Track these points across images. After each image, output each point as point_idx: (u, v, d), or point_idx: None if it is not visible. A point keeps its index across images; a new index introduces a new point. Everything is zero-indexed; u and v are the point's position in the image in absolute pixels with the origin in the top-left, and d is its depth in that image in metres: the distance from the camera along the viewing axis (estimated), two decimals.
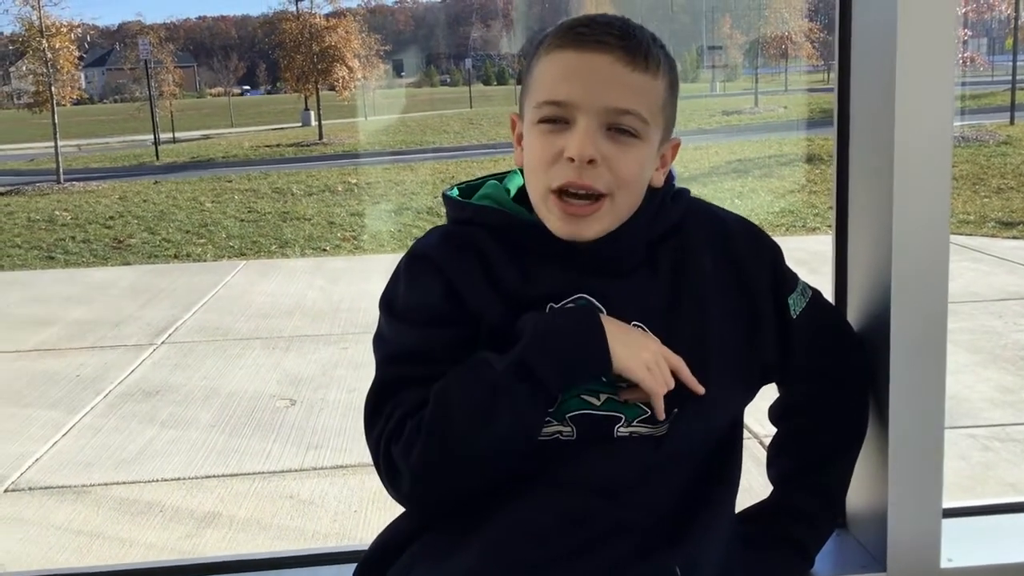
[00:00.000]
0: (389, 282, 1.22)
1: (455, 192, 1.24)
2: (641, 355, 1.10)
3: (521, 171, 1.22)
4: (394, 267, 1.22)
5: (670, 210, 1.21)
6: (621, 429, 1.16)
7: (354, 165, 19.25)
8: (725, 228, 1.25)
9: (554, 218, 1.14)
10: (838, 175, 1.47)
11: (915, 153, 1.30)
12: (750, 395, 1.28)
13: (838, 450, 1.35)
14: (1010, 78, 21.08)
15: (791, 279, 1.28)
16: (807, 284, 1.32)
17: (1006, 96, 20.81)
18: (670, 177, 1.23)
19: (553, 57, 1.14)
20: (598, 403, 1.16)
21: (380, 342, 1.20)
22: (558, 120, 1.12)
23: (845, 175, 1.45)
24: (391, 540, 1.23)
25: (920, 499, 1.38)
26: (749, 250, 1.25)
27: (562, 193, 1.12)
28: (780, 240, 1.31)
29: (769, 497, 1.38)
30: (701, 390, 1.13)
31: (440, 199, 1.27)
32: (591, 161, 1.10)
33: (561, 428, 1.15)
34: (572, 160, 1.10)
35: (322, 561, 1.52)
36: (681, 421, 1.16)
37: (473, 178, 1.29)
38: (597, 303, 1.15)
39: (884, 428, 1.35)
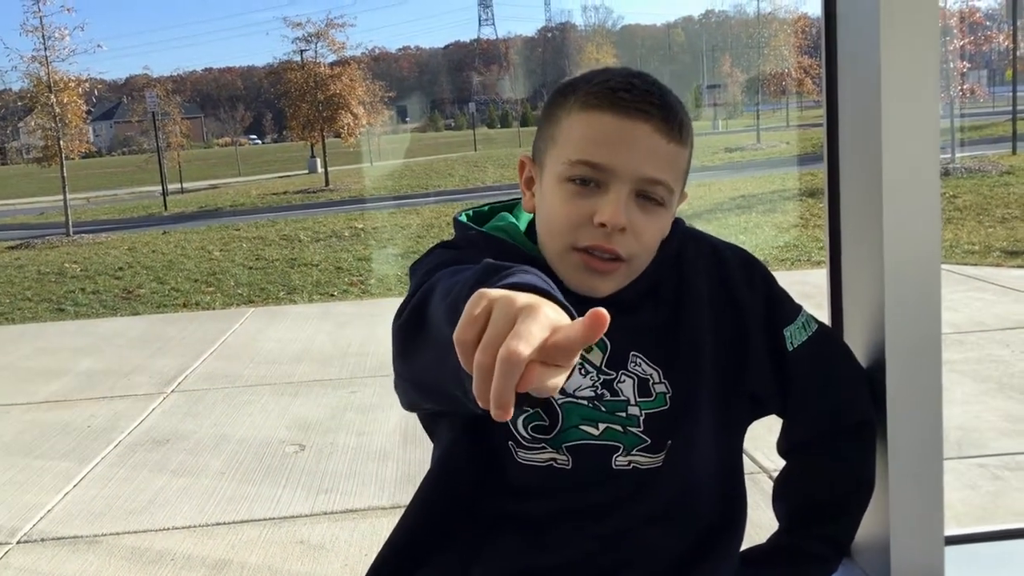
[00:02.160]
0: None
1: (464, 218, 1.25)
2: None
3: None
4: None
5: (669, 243, 1.22)
6: (619, 459, 1.17)
7: (360, 210, 19.38)
8: (719, 256, 1.26)
9: (572, 271, 1.14)
10: (829, 207, 1.50)
11: (903, 182, 1.32)
12: (744, 424, 1.29)
13: (846, 501, 1.33)
14: (1011, 109, 21.20)
15: (790, 310, 1.28)
16: (814, 319, 1.31)
17: (1007, 126, 20.93)
18: None
19: (591, 117, 1.12)
20: (597, 432, 1.17)
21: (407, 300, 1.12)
22: (589, 181, 1.11)
23: (836, 207, 1.48)
24: (388, 571, 1.23)
25: (922, 526, 1.39)
26: (742, 279, 1.26)
27: (587, 251, 1.12)
28: (784, 274, 1.32)
29: (775, 537, 1.36)
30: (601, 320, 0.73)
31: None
32: (622, 229, 1.11)
33: (556, 456, 1.16)
34: (602, 226, 1.10)
35: None
36: (676, 452, 1.18)
37: (481, 205, 1.30)
38: (603, 336, 1.17)
39: (884, 456, 1.36)
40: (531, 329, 0.68)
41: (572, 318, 0.74)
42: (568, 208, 1.12)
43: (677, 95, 1.17)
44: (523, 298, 0.72)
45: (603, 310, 0.66)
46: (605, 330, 0.66)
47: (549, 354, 0.68)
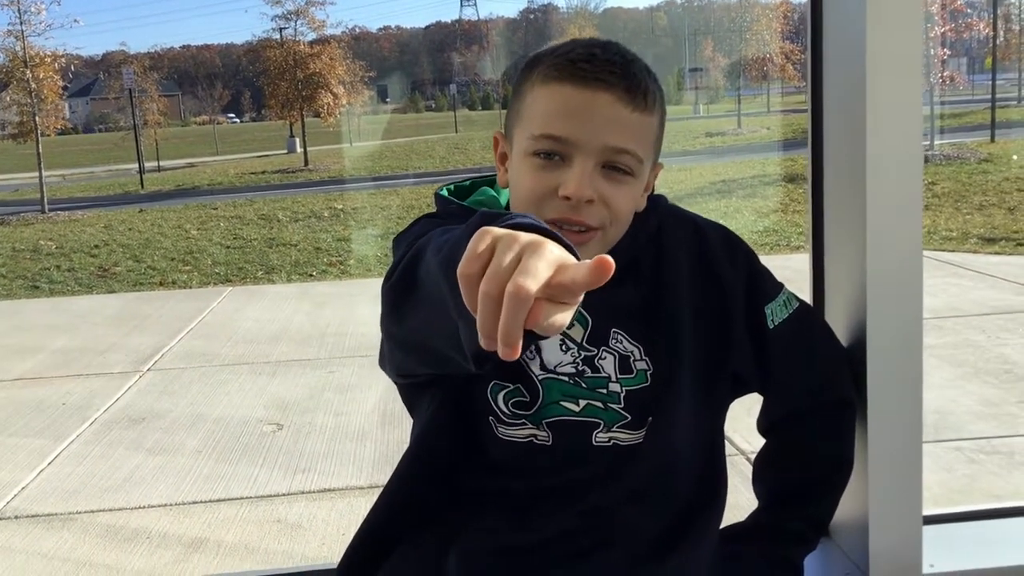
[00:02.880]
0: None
1: (445, 192, 1.24)
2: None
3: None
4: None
5: (648, 219, 1.21)
6: (599, 435, 1.17)
7: (340, 191, 19.28)
8: (700, 233, 1.25)
9: None
10: (813, 190, 1.49)
11: (887, 167, 1.32)
12: (726, 403, 1.29)
13: (825, 480, 1.33)
14: (990, 97, 21.34)
15: (772, 288, 1.28)
16: (796, 296, 1.30)
17: (986, 115, 21.04)
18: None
19: (552, 89, 1.11)
20: (577, 409, 1.16)
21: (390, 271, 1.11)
22: (553, 155, 1.10)
23: (820, 190, 1.48)
24: (366, 550, 1.22)
25: (901, 506, 1.40)
26: (724, 255, 1.25)
27: (554, 224, 1.09)
28: (764, 259, 1.31)
29: (755, 515, 1.36)
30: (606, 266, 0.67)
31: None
32: (588, 201, 1.09)
33: (536, 432, 1.16)
34: (568, 199, 1.09)
35: None
36: (656, 429, 1.17)
37: (462, 180, 1.28)
38: (584, 311, 1.16)
39: (864, 437, 1.36)
40: (537, 265, 0.67)
41: (577, 258, 0.73)
42: (533, 182, 1.11)
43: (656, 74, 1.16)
44: (527, 235, 0.71)
45: (609, 258, 0.65)
46: (609, 277, 0.65)
47: (555, 292, 0.67)
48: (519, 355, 0.65)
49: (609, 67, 1.10)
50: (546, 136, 1.10)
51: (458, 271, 0.70)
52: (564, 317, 0.68)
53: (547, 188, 1.10)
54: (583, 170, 1.09)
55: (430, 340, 0.95)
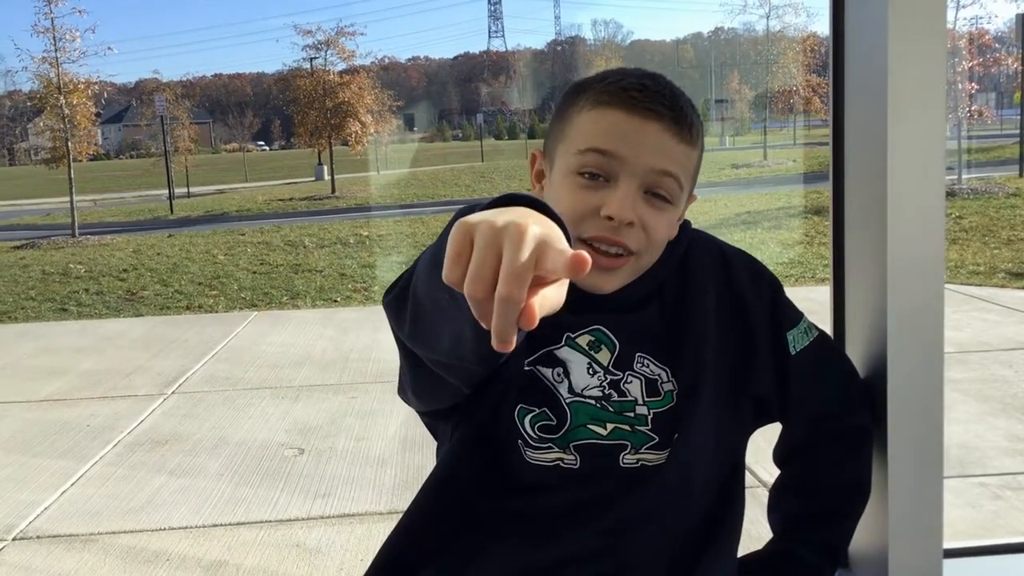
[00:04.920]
0: None
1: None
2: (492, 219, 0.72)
3: None
4: None
5: (676, 245, 1.23)
6: (627, 457, 1.17)
7: (366, 218, 19.40)
8: (726, 259, 1.27)
9: None
10: (834, 220, 1.49)
11: (908, 196, 1.31)
12: (748, 428, 1.29)
13: (841, 507, 1.33)
14: (1019, 131, 21.19)
15: (793, 315, 1.29)
16: (815, 326, 1.32)
17: (1015, 149, 20.90)
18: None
19: (601, 113, 1.13)
20: (605, 432, 1.17)
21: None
22: (598, 175, 1.12)
23: (841, 220, 1.48)
24: (385, 575, 1.23)
25: (921, 538, 1.38)
26: (749, 282, 1.26)
27: (591, 243, 1.12)
28: (789, 291, 1.32)
29: (770, 544, 1.36)
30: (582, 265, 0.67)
31: None
32: (629, 224, 1.11)
33: (564, 456, 1.16)
34: (610, 219, 1.10)
35: None
36: (680, 447, 1.18)
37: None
38: (611, 335, 1.17)
39: (883, 467, 1.36)
40: (520, 259, 0.66)
41: (560, 226, 0.73)
42: (575, 199, 1.12)
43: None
44: (503, 218, 0.70)
45: (586, 255, 0.65)
46: (586, 272, 0.65)
47: (541, 275, 0.67)
48: (512, 349, 0.66)
49: (659, 98, 1.13)
50: (594, 150, 1.12)
51: (443, 277, 0.70)
52: (559, 296, 0.69)
53: (589, 207, 1.11)
54: (627, 191, 1.10)
55: (438, 344, 0.96)
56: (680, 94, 1.16)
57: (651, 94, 1.13)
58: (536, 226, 0.69)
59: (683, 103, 1.15)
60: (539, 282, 0.68)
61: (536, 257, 0.67)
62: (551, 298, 0.69)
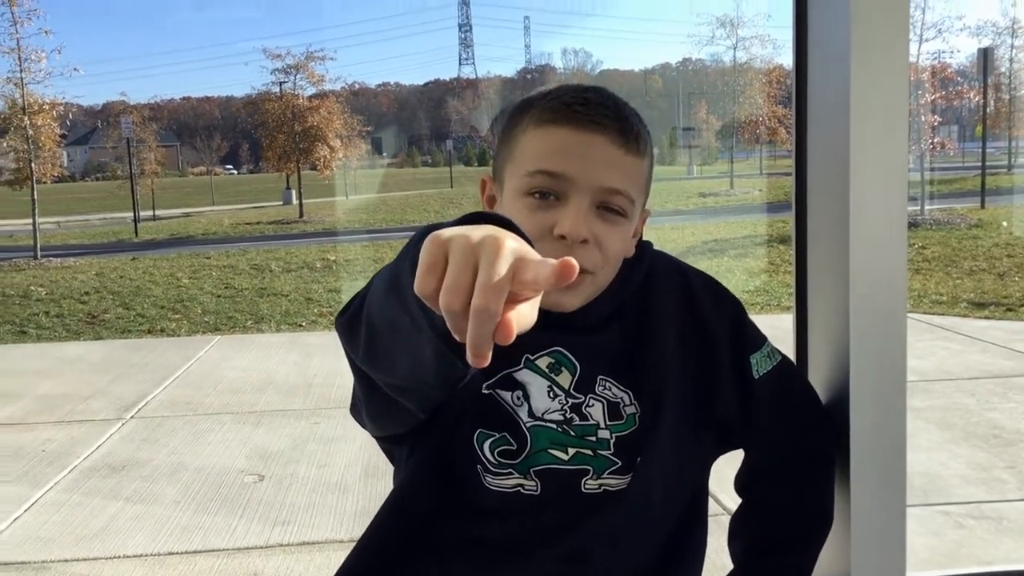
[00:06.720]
0: None
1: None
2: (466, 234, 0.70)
3: None
4: None
5: (636, 265, 1.21)
6: (589, 482, 1.15)
7: (334, 242, 19.32)
8: (688, 281, 1.25)
9: None
10: (796, 249, 1.49)
11: (871, 227, 1.31)
12: (711, 453, 1.27)
13: (803, 534, 1.31)
14: (980, 164, 21.58)
15: (756, 338, 1.27)
16: (778, 351, 1.30)
17: (976, 181, 21.28)
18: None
19: (546, 132, 1.11)
20: (566, 457, 1.14)
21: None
22: (548, 194, 1.10)
23: (804, 251, 1.47)
24: None
25: (884, 567, 1.37)
26: (711, 304, 1.24)
27: None
28: (755, 318, 1.30)
29: (732, 573, 1.33)
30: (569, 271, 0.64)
31: None
32: (583, 241, 1.09)
33: (524, 482, 1.13)
34: (563, 238, 1.08)
35: None
36: (643, 472, 1.15)
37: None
38: (571, 358, 1.15)
39: (846, 496, 1.34)
40: (498, 271, 0.65)
41: (531, 244, 0.71)
42: (528, 222, 1.09)
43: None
44: (478, 232, 0.68)
45: (573, 260, 0.63)
46: (573, 279, 0.63)
47: (518, 290, 0.65)
48: (487, 363, 0.64)
49: (603, 110, 1.11)
50: (542, 172, 1.10)
51: (415, 288, 0.68)
52: (531, 312, 0.67)
53: (541, 228, 1.09)
54: (579, 208, 1.08)
55: (395, 368, 0.93)
56: (624, 105, 1.15)
57: (594, 107, 1.11)
58: (512, 240, 0.68)
59: (628, 113, 1.13)
60: (513, 298, 0.66)
61: (513, 271, 0.65)
62: (526, 315, 0.67)
